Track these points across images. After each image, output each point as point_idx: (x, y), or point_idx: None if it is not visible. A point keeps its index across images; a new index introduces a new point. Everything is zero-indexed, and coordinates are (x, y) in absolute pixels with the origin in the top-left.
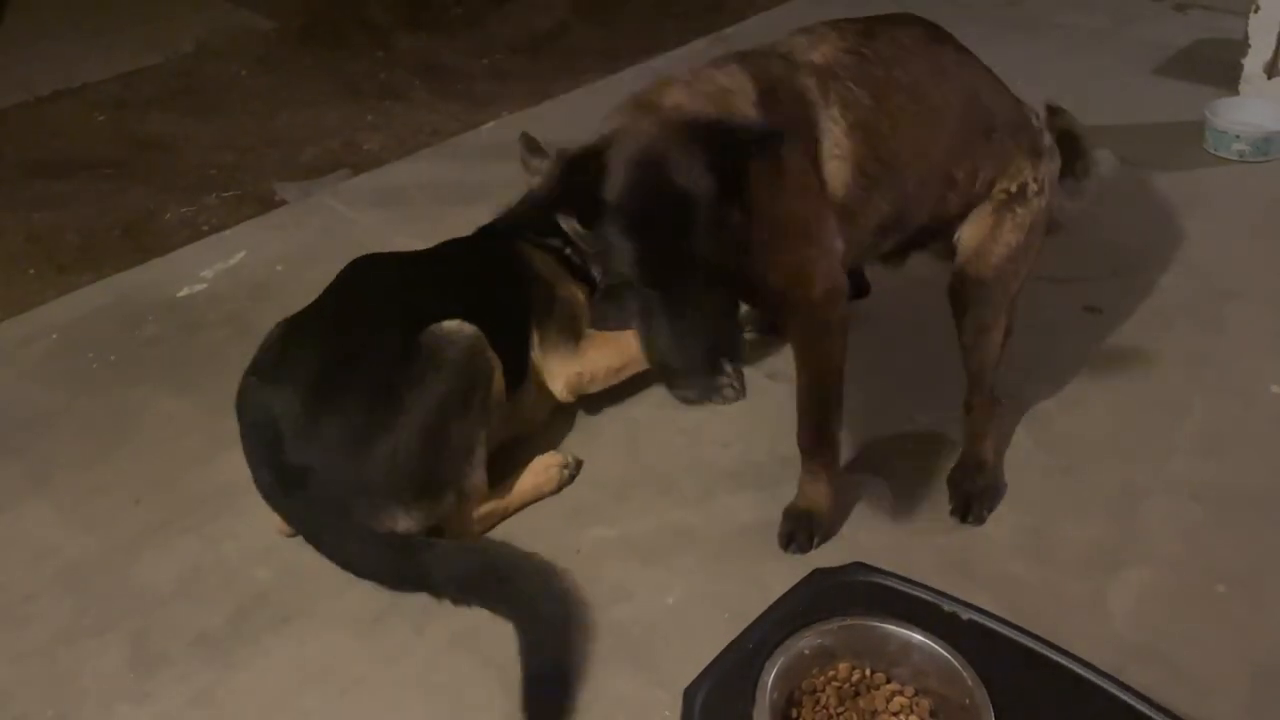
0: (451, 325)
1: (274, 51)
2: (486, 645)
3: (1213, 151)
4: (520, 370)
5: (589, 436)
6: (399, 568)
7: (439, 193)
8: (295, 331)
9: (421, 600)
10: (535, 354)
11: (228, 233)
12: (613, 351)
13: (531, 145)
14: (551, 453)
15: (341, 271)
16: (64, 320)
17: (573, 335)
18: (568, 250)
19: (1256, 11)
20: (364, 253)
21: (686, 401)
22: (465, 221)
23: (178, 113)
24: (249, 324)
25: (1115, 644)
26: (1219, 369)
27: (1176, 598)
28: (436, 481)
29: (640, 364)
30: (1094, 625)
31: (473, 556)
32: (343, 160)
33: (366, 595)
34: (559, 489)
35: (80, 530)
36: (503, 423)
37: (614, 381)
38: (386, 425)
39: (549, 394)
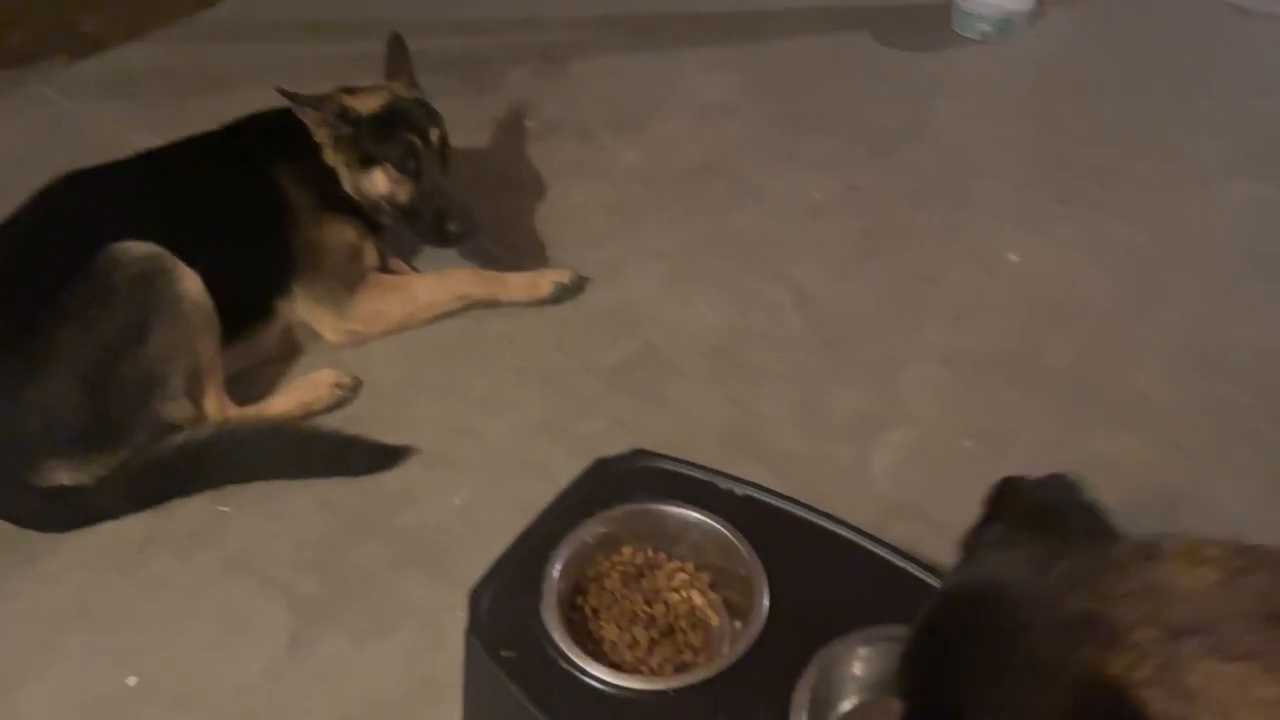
0: (126, 245)
1: None
2: (264, 564)
3: (959, 32)
4: (261, 307)
5: (366, 344)
6: (70, 516)
7: (176, 81)
8: None
9: (189, 526)
10: (300, 304)
11: None
12: (396, 303)
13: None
14: (326, 369)
15: (43, 187)
16: None
17: (346, 287)
18: (334, 186)
19: None
20: (93, 151)
21: None
22: (208, 114)
23: None
24: None
25: (877, 503)
26: (965, 241)
27: (931, 456)
28: (109, 428)
29: (430, 311)
30: (858, 487)
31: (152, 468)
32: (58, 45)
33: (123, 526)
34: (332, 407)
35: None
36: (242, 352)
37: (397, 332)
38: (38, 370)
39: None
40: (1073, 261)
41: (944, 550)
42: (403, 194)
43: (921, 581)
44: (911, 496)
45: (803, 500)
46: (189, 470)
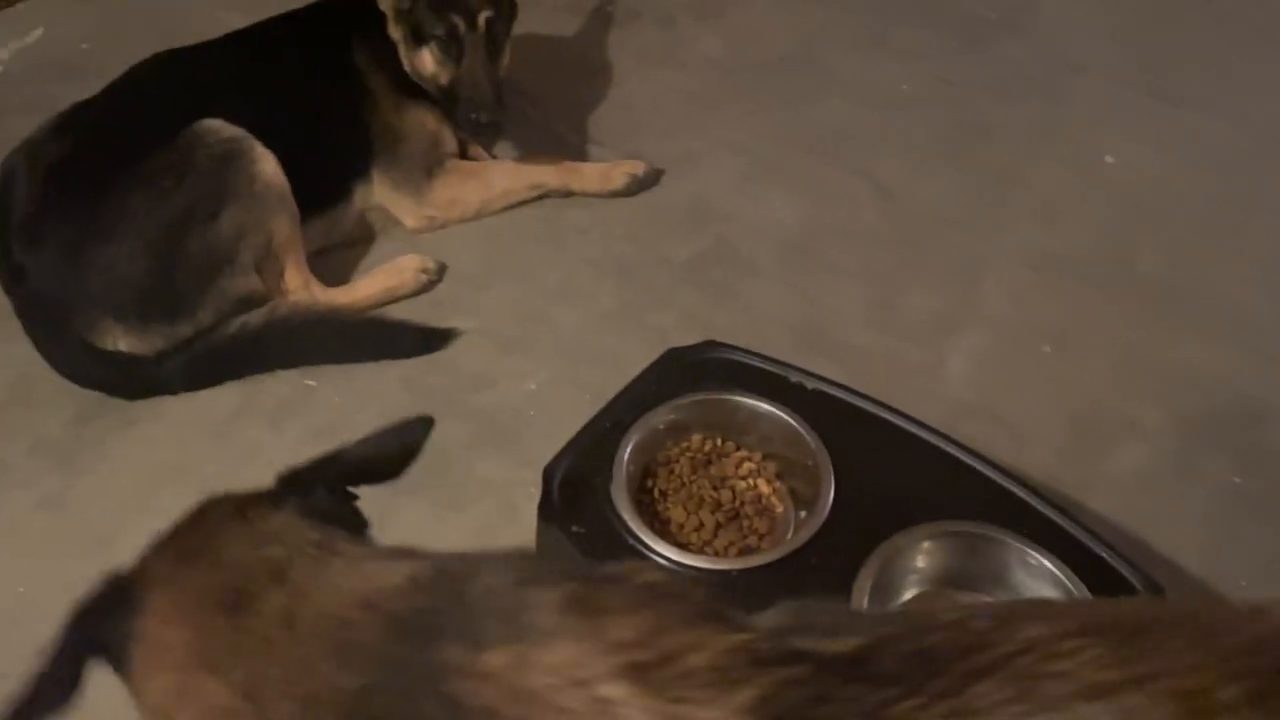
0: (213, 125)
1: None
2: (348, 437)
3: None
4: (338, 190)
5: (446, 230)
6: (128, 385)
7: None
8: (68, 118)
9: (278, 398)
10: (378, 189)
11: (21, 6)
12: (473, 191)
13: None
14: (412, 254)
15: (138, 63)
16: None
17: (425, 173)
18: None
19: None
20: (181, 29)
21: None
22: None
23: None
24: (57, 110)
25: (948, 403)
26: (1060, 141)
27: (1006, 358)
28: (171, 300)
29: (506, 199)
30: (930, 387)
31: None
32: None
33: (218, 395)
34: (417, 292)
35: None
36: (318, 233)
37: (474, 219)
38: (105, 230)
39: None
40: (1172, 164)
41: (1010, 450)
42: (444, 76)
43: (987, 479)
44: (984, 398)
45: (873, 396)
46: (248, 353)
